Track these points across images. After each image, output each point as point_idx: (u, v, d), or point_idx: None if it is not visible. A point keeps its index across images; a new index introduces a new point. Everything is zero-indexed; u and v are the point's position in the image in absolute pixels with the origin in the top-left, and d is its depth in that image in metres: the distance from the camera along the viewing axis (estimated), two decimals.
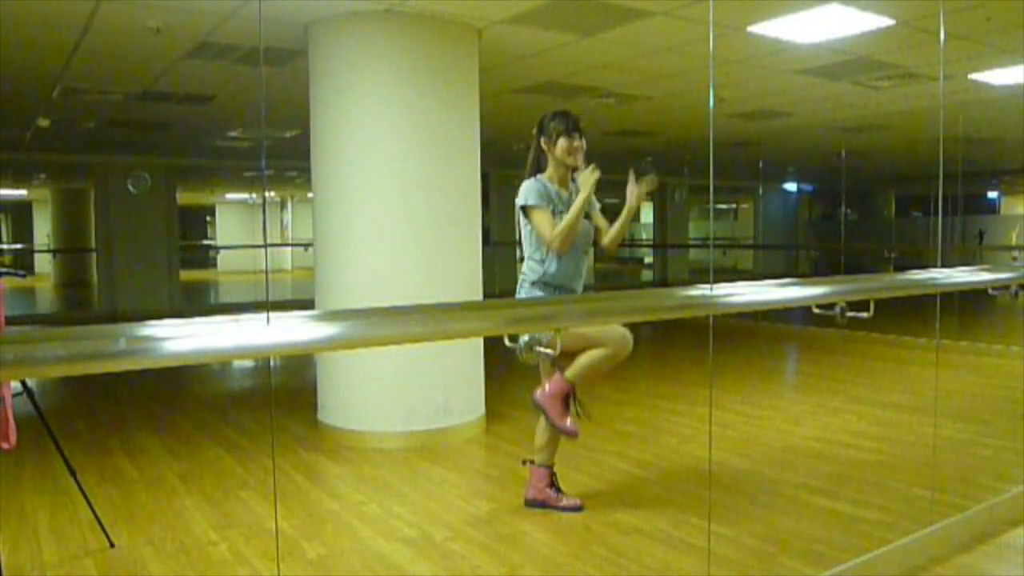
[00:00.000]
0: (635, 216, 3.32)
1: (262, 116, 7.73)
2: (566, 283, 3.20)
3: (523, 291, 3.22)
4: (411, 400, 4.43)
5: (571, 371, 3.16)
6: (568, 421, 3.18)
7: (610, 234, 3.28)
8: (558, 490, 3.35)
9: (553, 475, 3.36)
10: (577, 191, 3.16)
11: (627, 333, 3.13)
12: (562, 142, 3.14)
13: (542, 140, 3.22)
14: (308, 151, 4.68)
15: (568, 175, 3.22)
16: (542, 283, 3.18)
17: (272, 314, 1.43)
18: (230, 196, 21.05)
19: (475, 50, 4.65)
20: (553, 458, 3.37)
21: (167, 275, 11.39)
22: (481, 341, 4.65)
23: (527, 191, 3.15)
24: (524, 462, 3.41)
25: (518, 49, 5.23)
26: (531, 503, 3.38)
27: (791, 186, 17.99)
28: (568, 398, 3.21)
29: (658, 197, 16.05)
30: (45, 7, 4.19)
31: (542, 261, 3.17)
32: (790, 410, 5.20)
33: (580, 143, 3.17)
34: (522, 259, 3.30)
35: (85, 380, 6.25)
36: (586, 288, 3.41)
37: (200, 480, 3.86)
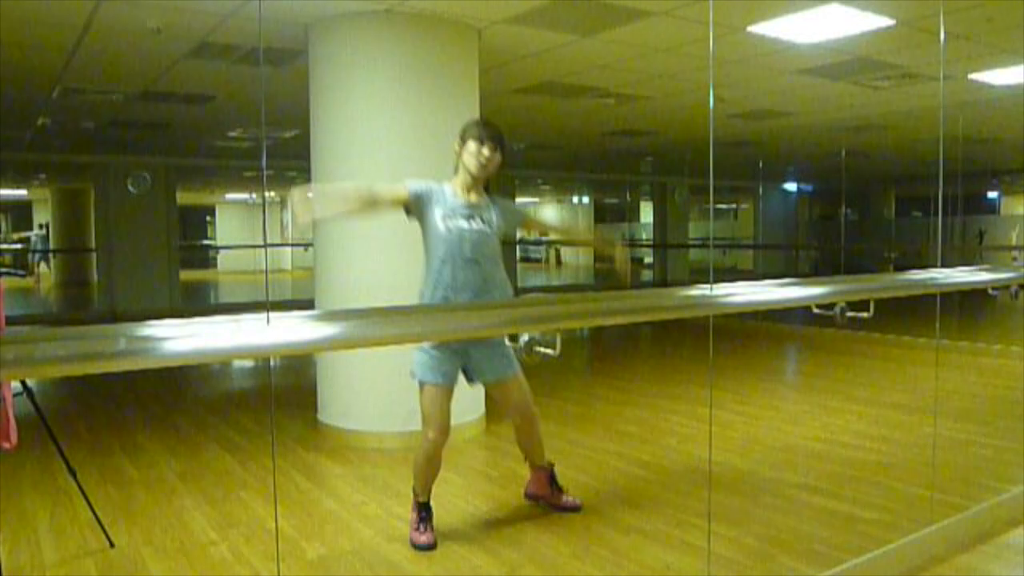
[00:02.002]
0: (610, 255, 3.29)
1: (262, 116, 7.73)
2: (452, 297, 2.94)
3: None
4: (411, 400, 4.39)
5: (539, 455, 3.31)
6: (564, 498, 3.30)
7: (553, 230, 3.24)
8: (558, 488, 3.36)
9: (553, 472, 3.37)
10: (491, 206, 3.01)
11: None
12: (470, 145, 2.94)
13: (456, 142, 3.03)
14: (308, 151, 4.68)
15: (475, 186, 2.99)
16: (426, 301, 2.99)
17: (272, 314, 1.43)
18: (230, 196, 21.07)
19: (475, 50, 4.65)
20: (544, 457, 3.35)
21: (167, 275, 11.40)
22: None
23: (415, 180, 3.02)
24: (527, 459, 3.42)
25: (518, 49, 5.23)
26: (530, 497, 3.40)
27: (791, 186, 17.99)
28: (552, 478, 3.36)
29: (658, 197, 16.06)
30: (45, 7, 4.19)
31: (425, 272, 3.00)
32: (790, 410, 5.20)
33: (490, 155, 2.95)
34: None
35: (85, 380, 6.25)
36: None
37: (200, 480, 3.86)
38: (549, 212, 26.01)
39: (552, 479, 3.36)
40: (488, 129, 2.97)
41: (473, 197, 3.00)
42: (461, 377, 3.08)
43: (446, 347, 2.96)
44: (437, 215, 2.94)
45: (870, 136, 9.84)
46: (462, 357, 3.03)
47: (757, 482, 3.73)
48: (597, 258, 18.93)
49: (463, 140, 2.98)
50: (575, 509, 3.30)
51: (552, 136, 9.91)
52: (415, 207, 2.96)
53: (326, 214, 3.15)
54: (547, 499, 3.35)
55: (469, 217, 2.96)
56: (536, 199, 24.62)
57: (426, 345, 2.98)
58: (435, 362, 2.96)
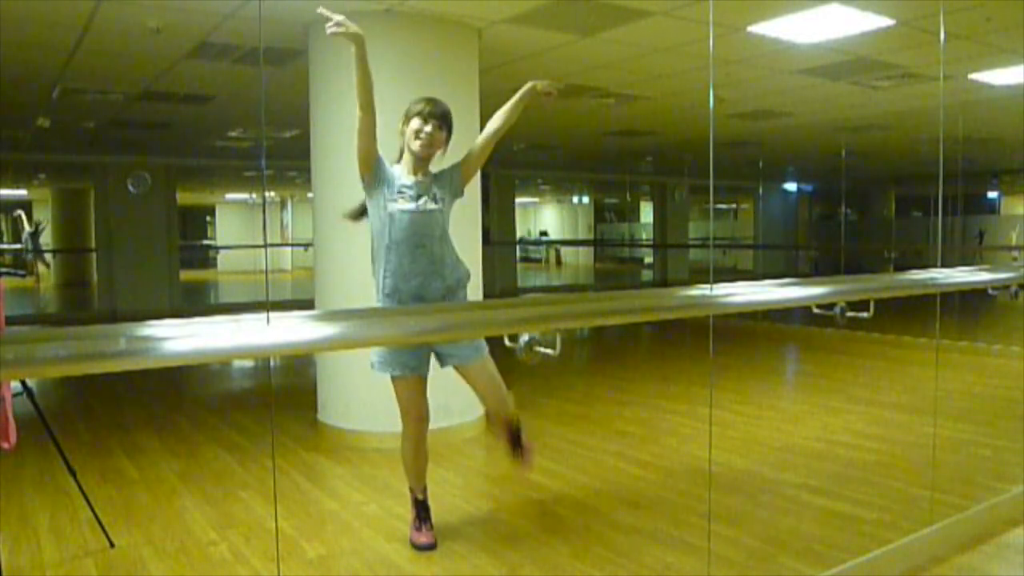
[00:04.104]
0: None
1: (262, 116, 7.73)
2: (401, 285, 2.80)
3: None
4: None
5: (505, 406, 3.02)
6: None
7: (486, 141, 2.96)
8: (517, 445, 3.12)
9: (513, 428, 3.10)
10: (436, 181, 2.87)
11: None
12: (413, 123, 2.82)
13: (400, 121, 2.90)
14: (308, 151, 4.68)
15: (421, 166, 2.88)
16: (378, 289, 2.84)
17: (272, 314, 1.43)
18: (230, 196, 21.07)
19: (475, 50, 4.65)
20: (508, 412, 3.08)
21: (167, 275, 11.39)
22: None
23: None
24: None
25: (518, 49, 5.23)
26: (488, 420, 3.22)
27: (791, 186, 17.99)
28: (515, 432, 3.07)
29: (658, 197, 16.06)
30: (45, 7, 4.19)
31: (372, 259, 2.86)
32: (790, 410, 5.20)
33: (434, 133, 2.82)
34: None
35: (85, 380, 6.25)
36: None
37: (200, 480, 3.86)
38: (548, 212, 26.05)
39: (515, 435, 3.09)
40: (433, 105, 2.84)
41: (419, 176, 2.87)
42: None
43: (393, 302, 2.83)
44: (384, 197, 2.81)
45: (870, 136, 9.84)
46: (425, 346, 2.90)
47: (757, 482, 3.73)
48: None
49: (407, 118, 2.86)
50: (522, 447, 3.07)
51: (552, 136, 9.91)
52: (375, 174, 2.81)
53: (360, 62, 2.71)
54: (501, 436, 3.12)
55: (415, 197, 2.82)
56: (536, 199, 24.64)
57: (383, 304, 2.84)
58: (392, 355, 2.88)
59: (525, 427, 3.12)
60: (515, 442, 3.11)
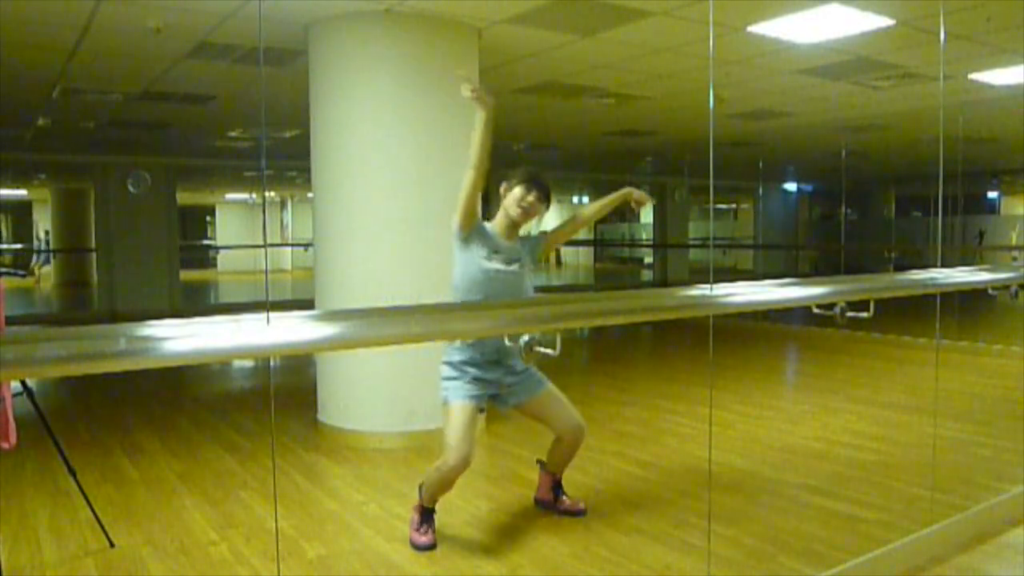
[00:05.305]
0: (617, 214, 3.26)
1: (262, 116, 7.72)
2: (486, 341, 2.89)
3: (445, 353, 3.01)
4: (411, 400, 4.43)
5: (564, 464, 3.29)
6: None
7: (573, 226, 3.21)
8: (560, 493, 3.35)
9: (558, 480, 3.36)
10: (526, 247, 3.03)
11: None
12: (516, 192, 2.96)
13: (503, 185, 3.04)
14: (308, 151, 4.68)
15: (514, 231, 3.03)
16: (459, 343, 2.92)
17: (272, 314, 1.43)
18: (230, 196, 21.07)
19: (475, 50, 4.65)
20: (562, 471, 3.35)
21: (167, 275, 11.39)
22: None
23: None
24: (537, 461, 3.41)
25: (518, 49, 5.23)
26: (537, 503, 3.40)
27: (791, 186, 17.99)
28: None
29: (658, 197, 16.05)
30: (45, 7, 4.19)
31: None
32: (790, 410, 5.20)
33: (537, 204, 2.98)
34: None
35: (85, 380, 6.25)
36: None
37: (200, 480, 3.86)
38: (548, 212, 25.97)
39: (556, 484, 3.35)
40: (539, 180, 3.00)
41: (512, 240, 3.02)
42: None
43: (478, 371, 2.95)
44: (481, 254, 2.93)
45: (870, 136, 9.84)
46: (492, 385, 3.01)
47: (757, 482, 3.73)
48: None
49: (509, 183, 3.00)
50: (579, 514, 3.29)
51: (552, 136, 9.91)
52: (475, 230, 2.93)
53: (486, 127, 2.81)
54: (551, 504, 3.34)
55: (510, 261, 2.97)
56: None
57: (457, 365, 2.96)
58: (467, 385, 2.94)
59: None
60: (557, 487, 3.32)
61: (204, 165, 12.63)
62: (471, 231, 2.94)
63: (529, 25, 4.64)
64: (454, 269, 3.00)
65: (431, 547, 2.98)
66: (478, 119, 2.77)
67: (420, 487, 3.07)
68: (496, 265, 2.93)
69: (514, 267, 2.98)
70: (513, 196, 2.97)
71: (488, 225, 3.01)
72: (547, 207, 3.04)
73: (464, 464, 2.87)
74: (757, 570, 2.77)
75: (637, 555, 2.90)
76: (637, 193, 3.15)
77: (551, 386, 3.11)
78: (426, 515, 3.05)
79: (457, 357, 2.97)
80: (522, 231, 3.08)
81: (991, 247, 13.82)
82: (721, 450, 4.22)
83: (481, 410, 3.02)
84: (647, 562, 2.84)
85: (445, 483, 2.96)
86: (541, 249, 3.14)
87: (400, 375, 4.44)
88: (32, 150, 10.35)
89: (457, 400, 2.93)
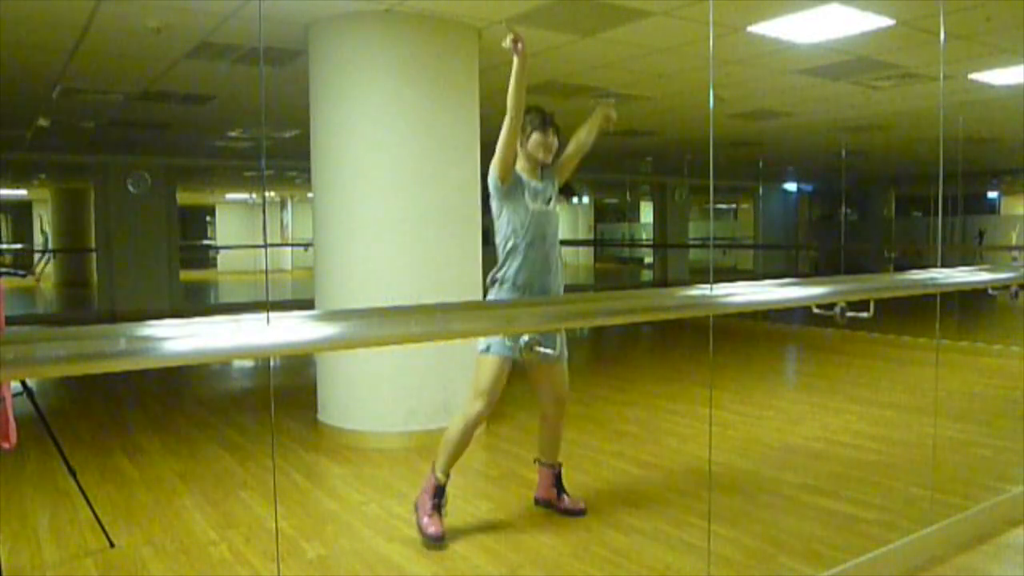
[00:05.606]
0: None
1: (262, 116, 7.72)
2: (534, 280, 3.06)
3: (491, 292, 3.13)
4: (411, 400, 4.43)
5: (556, 449, 3.36)
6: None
7: (576, 152, 3.29)
8: (563, 490, 3.35)
9: (559, 473, 3.37)
10: (550, 182, 3.17)
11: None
12: (535, 137, 3.10)
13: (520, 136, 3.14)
14: (308, 151, 4.68)
15: (538, 169, 3.18)
16: (509, 282, 3.07)
17: (272, 314, 1.43)
18: (230, 196, 21.07)
19: (475, 50, 4.65)
20: (555, 457, 3.37)
21: (167, 275, 11.39)
22: None
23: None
24: (535, 460, 3.42)
25: None
26: (540, 502, 3.41)
27: (791, 186, 17.99)
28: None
29: (658, 197, 16.05)
30: (45, 7, 4.19)
31: (507, 255, 3.08)
32: (790, 410, 5.20)
33: (553, 140, 3.15)
34: None
35: (85, 380, 6.25)
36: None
37: (200, 480, 3.86)
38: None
39: (557, 481, 3.36)
40: (545, 116, 3.12)
41: (539, 179, 3.15)
42: None
43: (519, 294, 3.08)
44: (526, 198, 3.07)
45: (870, 136, 9.84)
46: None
47: (757, 482, 3.73)
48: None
49: (524, 131, 3.09)
50: (579, 513, 3.30)
51: None
52: (512, 183, 3.05)
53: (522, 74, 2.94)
54: (552, 503, 3.35)
55: (547, 200, 3.13)
56: None
57: (503, 295, 3.08)
58: (508, 339, 3.00)
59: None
60: (557, 485, 3.35)
61: (204, 165, 12.62)
62: (515, 179, 3.07)
63: (529, 25, 4.64)
64: (497, 220, 3.10)
65: (439, 538, 2.98)
66: (515, 69, 2.87)
67: (433, 465, 3.12)
68: (539, 206, 3.09)
69: (551, 205, 3.15)
70: (534, 141, 3.10)
71: (518, 171, 3.13)
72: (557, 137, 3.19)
73: (490, 409, 3.06)
74: (757, 570, 2.77)
75: (637, 555, 2.90)
76: (610, 110, 3.29)
77: (566, 363, 3.24)
78: (438, 498, 3.06)
79: (507, 296, 3.08)
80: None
81: (991, 247, 13.82)
82: (721, 450, 4.22)
83: (514, 363, 3.08)
84: (647, 562, 2.84)
85: (467, 436, 3.07)
86: (560, 177, 3.27)
87: (400, 375, 4.44)
88: (32, 150, 10.34)
89: (496, 353, 3.02)
